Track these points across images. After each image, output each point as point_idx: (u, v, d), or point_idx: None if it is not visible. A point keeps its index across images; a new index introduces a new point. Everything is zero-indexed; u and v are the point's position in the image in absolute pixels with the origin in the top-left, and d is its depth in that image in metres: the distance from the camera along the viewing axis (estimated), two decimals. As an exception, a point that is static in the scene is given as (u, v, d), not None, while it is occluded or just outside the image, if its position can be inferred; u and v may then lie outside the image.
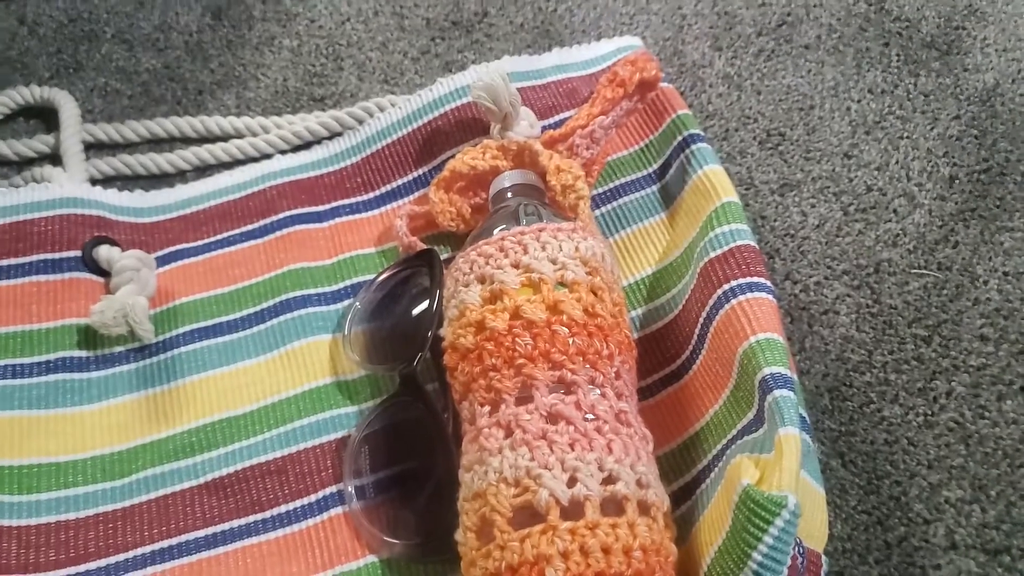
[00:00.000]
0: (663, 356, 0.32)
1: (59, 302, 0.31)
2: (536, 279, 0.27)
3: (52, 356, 0.30)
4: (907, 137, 0.40)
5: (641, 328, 0.33)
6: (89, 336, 0.31)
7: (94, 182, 0.37)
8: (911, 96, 0.42)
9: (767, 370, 0.26)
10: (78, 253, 0.32)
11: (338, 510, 0.28)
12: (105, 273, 0.32)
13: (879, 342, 0.34)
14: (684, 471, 0.29)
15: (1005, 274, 0.36)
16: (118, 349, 0.31)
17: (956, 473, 0.31)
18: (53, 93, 0.39)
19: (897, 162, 0.40)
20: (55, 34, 0.44)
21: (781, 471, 0.23)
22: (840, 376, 0.33)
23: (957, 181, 0.39)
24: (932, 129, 0.41)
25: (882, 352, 0.34)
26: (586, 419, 0.24)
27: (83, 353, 0.31)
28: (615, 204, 0.35)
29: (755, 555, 0.23)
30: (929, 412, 0.33)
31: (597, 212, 0.36)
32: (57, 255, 0.32)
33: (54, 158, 0.38)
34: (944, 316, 0.35)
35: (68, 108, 0.38)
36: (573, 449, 0.24)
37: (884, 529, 0.30)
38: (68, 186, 0.34)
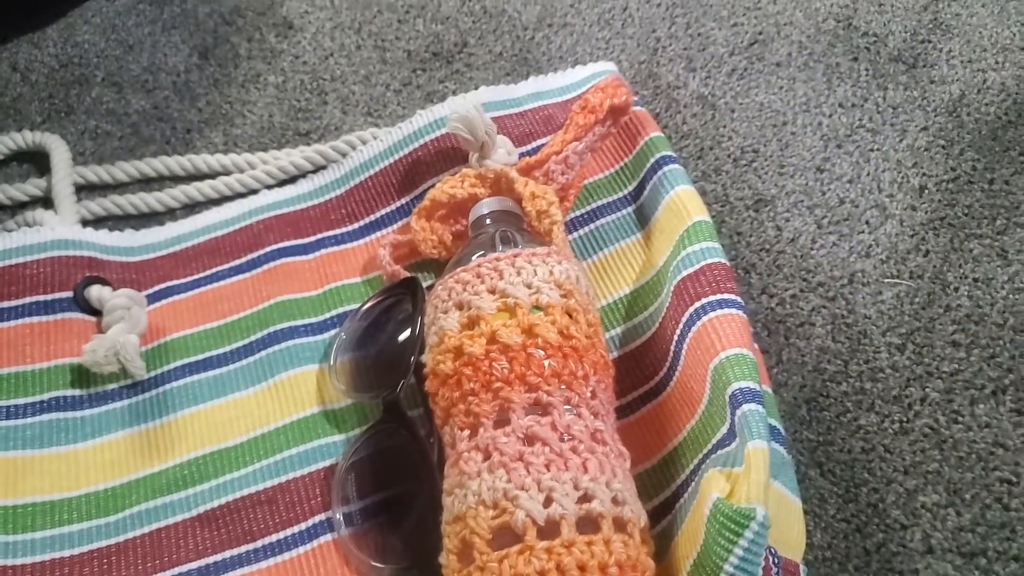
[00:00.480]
0: (642, 374, 0.32)
1: (52, 343, 0.32)
2: (512, 304, 0.28)
3: (45, 396, 0.31)
4: (877, 149, 0.41)
5: (620, 347, 0.33)
6: (82, 375, 0.32)
7: (85, 223, 0.38)
8: (880, 109, 0.43)
9: (736, 385, 0.27)
10: (70, 294, 0.33)
11: (327, 537, 0.29)
12: (97, 312, 0.33)
13: (854, 352, 0.35)
14: (664, 487, 0.30)
15: (975, 280, 0.37)
16: (111, 387, 0.32)
17: (931, 478, 0.32)
18: (44, 137, 0.40)
19: (868, 174, 0.41)
20: (47, 79, 0.45)
21: (749, 484, 0.24)
22: (817, 387, 0.34)
23: (926, 191, 0.40)
24: (901, 141, 0.42)
25: (857, 362, 0.35)
26: (562, 439, 0.25)
27: (76, 392, 0.32)
28: (593, 226, 0.36)
29: (727, 567, 0.23)
30: (904, 419, 0.33)
31: (575, 234, 0.36)
32: (49, 296, 0.33)
33: (46, 201, 0.40)
34: (917, 324, 0.36)
35: (59, 152, 0.39)
36: (549, 469, 0.24)
37: (863, 536, 0.31)
38: (59, 228, 0.35)
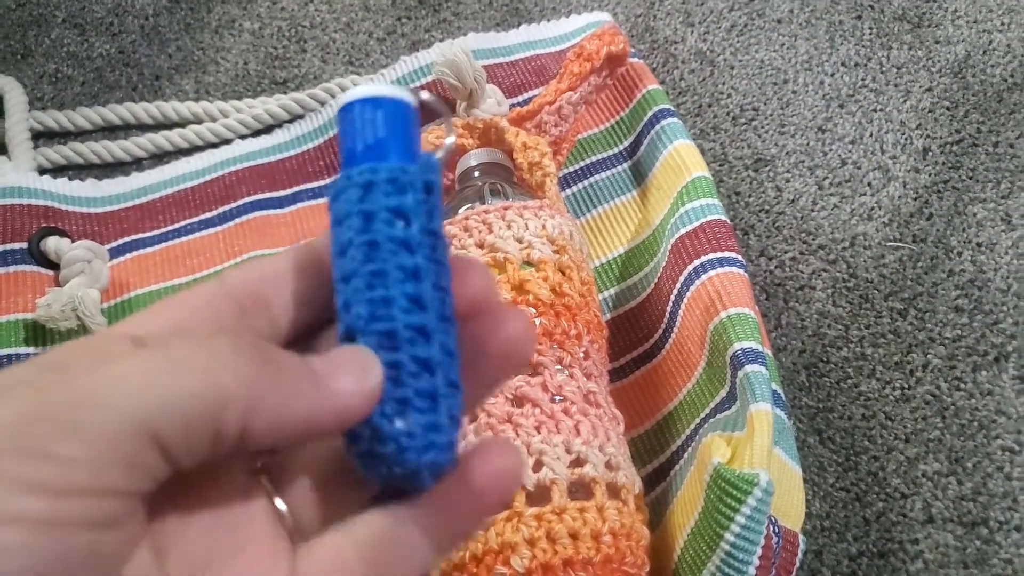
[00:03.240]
0: (636, 336, 0.31)
1: (4, 297, 0.30)
2: (501, 258, 0.26)
3: (-4, 353, 0.29)
4: (880, 110, 0.40)
5: (614, 308, 0.32)
6: (37, 332, 0.30)
7: (43, 172, 0.36)
8: (884, 69, 0.41)
9: (738, 345, 0.25)
10: (24, 245, 0.31)
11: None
12: (54, 266, 0.31)
13: (855, 316, 0.34)
14: (658, 452, 0.28)
15: (978, 245, 0.36)
16: (70, 344, 0.30)
17: (933, 446, 0.31)
18: (-2, 80, 0.38)
19: (871, 135, 0.39)
20: (2, 19, 0.42)
21: (752, 448, 0.22)
22: (817, 352, 0.33)
23: (930, 153, 0.39)
24: (905, 102, 0.40)
25: (859, 326, 0.34)
26: (553, 400, 0.24)
27: (30, 350, 0.30)
28: (586, 183, 0.35)
29: (727, 536, 0.22)
30: (906, 385, 0.32)
31: (568, 191, 0.35)
32: (1, 247, 0.30)
33: (1, 147, 0.37)
34: (919, 288, 0.34)
35: (14, 95, 0.37)
36: (539, 432, 0.23)
37: (862, 505, 0.30)
38: (12, 175, 0.32)
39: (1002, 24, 0.43)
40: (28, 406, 0.11)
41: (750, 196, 0.37)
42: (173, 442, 0.11)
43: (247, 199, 0.34)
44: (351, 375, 0.13)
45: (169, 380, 0.11)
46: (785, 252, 0.36)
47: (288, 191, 0.35)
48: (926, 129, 0.39)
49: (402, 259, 0.14)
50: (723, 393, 0.26)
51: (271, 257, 0.15)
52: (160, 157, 0.37)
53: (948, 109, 0.40)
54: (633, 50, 0.36)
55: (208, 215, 0.34)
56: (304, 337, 0.15)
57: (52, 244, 0.31)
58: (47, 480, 0.10)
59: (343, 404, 0.13)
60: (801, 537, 0.27)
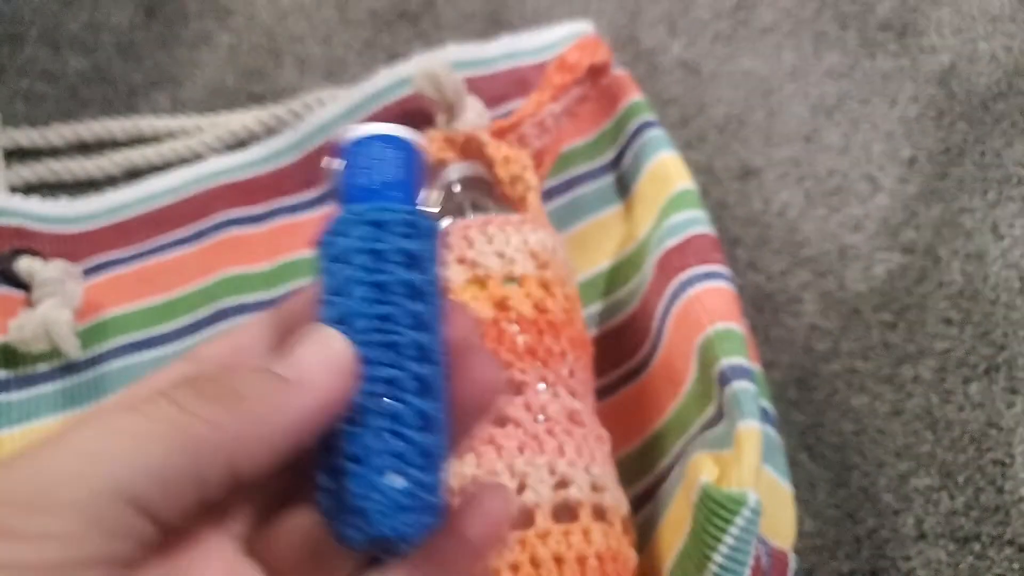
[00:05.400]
0: (622, 352, 0.30)
1: (-29, 319, 0.29)
2: (482, 275, 0.25)
3: (-36, 377, 0.28)
4: (867, 120, 0.40)
5: (599, 324, 0.31)
6: (8, 355, 0.29)
7: (14, 190, 0.35)
8: (869, 78, 0.41)
9: (725, 361, 0.25)
10: (-7, 265, 0.30)
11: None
12: (26, 287, 0.30)
13: (845, 329, 0.33)
14: (646, 472, 0.28)
15: (967, 256, 0.35)
16: (41, 368, 0.30)
17: (924, 460, 0.30)
18: (-32, 97, 0.37)
19: (858, 145, 0.39)
20: (-26, 36, 0.41)
21: (741, 467, 0.22)
22: (807, 366, 0.33)
23: (917, 163, 0.38)
24: (891, 111, 0.40)
25: (848, 340, 0.33)
26: (536, 420, 0.23)
27: (2, 373, 0.29)
28: (570, 196, 0.34)
29: (716, 557, 0.21)
30: (896, 399, 0.32)
31: (551, 205, 0.34)
32: (-32, 268, 0.30)
33: (-28, 166, 0.36)
34: (909, 300, 0.34)
35: (-16, 112, 0.36)
36: (522, 453, 0.22)
37: (854, 522, 0.29)
38: (-18, 194, 0.32)
39: (986, 32, 0.43)
40: None
41: (737, 208, 0.37)
42: (152, 500, 0.11)
43: (222, 216, 0.33)
44: (322, 363, 0.13)
45: (138, 442, 0.11)
46: (773, 264, 0.35)
47: (264, 207, 0.34)
48: (913, 138, 0.39)
49: (413, 306, 0.14)
50: (711, 411, 0.26)
51: (245, 325, 0.14)
52: (134, 174, 0.36)
53: (934, 118, 0.40)
54: (613, 58, 0.36)
55: (183, 233, 0.33)
56: None
57: (24, 265, 0.30)
58: (19, 560, 0.10)
59: (325, 393, 0.13)
60: (792, 556, 0.26)
